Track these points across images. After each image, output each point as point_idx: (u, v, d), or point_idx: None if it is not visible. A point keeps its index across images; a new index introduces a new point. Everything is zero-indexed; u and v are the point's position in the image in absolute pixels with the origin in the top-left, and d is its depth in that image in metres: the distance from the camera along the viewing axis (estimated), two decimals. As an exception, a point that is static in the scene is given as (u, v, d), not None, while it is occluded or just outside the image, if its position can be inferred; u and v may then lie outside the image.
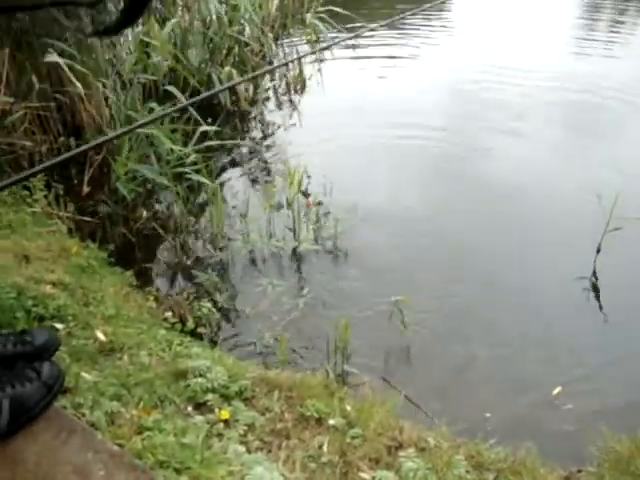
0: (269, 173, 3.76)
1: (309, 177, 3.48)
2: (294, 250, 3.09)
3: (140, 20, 4.49)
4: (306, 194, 3.25)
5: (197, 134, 3.05)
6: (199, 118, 3.24)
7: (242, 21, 4.79)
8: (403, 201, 3.50)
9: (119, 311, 2.07)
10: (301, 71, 4.94)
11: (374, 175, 3.79)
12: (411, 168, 3.92)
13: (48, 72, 3.52)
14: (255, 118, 4.49)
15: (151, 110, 3.15)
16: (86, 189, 3.47)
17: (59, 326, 1.78)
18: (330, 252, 3.08)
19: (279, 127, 4.35)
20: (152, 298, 2.57)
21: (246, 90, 4.35)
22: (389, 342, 2.51)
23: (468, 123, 4.46)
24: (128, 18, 1.02)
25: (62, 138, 3.57)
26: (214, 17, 4.53)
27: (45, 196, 3.01)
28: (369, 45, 5.95)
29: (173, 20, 3.85)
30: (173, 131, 3.14)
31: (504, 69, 5.26)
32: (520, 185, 3.66)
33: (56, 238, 2.70)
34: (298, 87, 4.91)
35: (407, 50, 5.91)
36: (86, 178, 3.50)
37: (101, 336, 1.81)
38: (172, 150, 2.92)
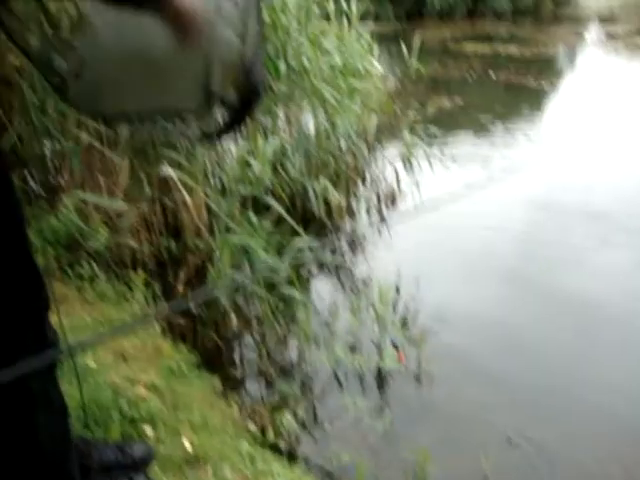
0: (358, 287, 3.81)
1: (398, 293, 3.51)
2: (378, 368, 3.07)
3: (244, 131, 4.80)
4: (395, 345, 3.25)
5: (294, 248, 3.16)
6: (300, 230, 3.36)
7: (337, 136, 5.00)
8: (493, 320, 3.45)
9: (205, 419, 2.11)
10: (396, 186, 5.08)
11: (466, 295, 3.77)
12: (501, 282, 3.87)
13: (158, 179, 3.78)
14: (346, 230, 4.61)
15: (249, 220, 3.30)
16: (180, 289, 3.62)
17: (149, 431, 1.83)
18: (414, 373, 3.04)
19: (369, 241, 4.45)
20: (235, 406, 2.61)
21: (339, 203, 4.49)
22: (471, 474, 2.42)
23: (555, 243, 4.41)
24: (233, 125, 1.08)
25: (163, 239, 3.78)
26: (313, 132, 4.78)
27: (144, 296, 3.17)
28: (459, 154, 6.08)
29: (276, 138, 4.08)
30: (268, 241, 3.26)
31: (596, 184, 5.25)
32: (609, 301, 3.56)
33: (150, 337, 2.81)
34: (389, 202, 5.03)
35: (497, 160, 5.98)
36: (182, 278, 3.66)
37: (188, 445, 1.84)
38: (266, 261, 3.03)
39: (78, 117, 3.71)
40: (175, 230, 3.97)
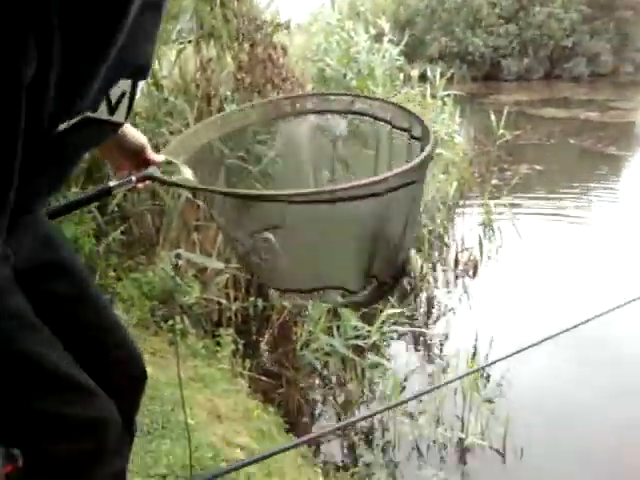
0: (441, 356, 3.81)
1: (483, 370, 3.50)
2: (460, 441, 3.06)
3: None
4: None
5: (384, 315, 3.22)
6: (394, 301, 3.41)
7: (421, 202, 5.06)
8: (582, 406, 3.38)
9: (297, 486, 2.15)
10: (476, 252, 5.09)
11: (553, 377, 3.71)
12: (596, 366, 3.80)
13: (250, 238, 3.91)
14: (425, 297, 4.63)
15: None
16: (264, 348, 3.71)
17: (251, 500, 1.89)
18: (498, 451, 3.01)
19: (450, 310, 4.45)
20: (320, 471, 2.64)
21: (422, 270, 4.53)
22: None
23: None
24: (381, 296, 1.25)
25: (252, 298, 3.89)
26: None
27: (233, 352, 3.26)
28: (538, 220, 6.04)
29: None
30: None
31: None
32: None
33: (240, 397, 2.89)
34: (470, 268, 5.03)
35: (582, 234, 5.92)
36: (266, 338, 3.75)
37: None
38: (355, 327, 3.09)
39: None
40: (259, 288, 4.08)
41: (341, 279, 1.28)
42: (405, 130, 1.37)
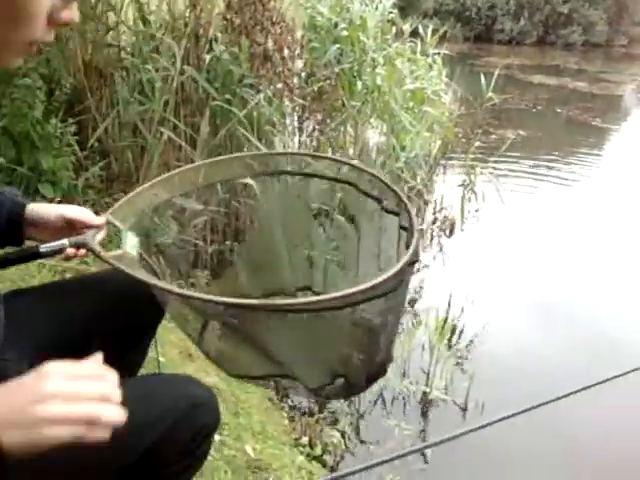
0: (413, 311, 3.87)
1: (455, 325, 3.56)
2: (424, 394, 3.13)
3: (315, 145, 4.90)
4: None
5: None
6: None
7: (404, 158, 5.06)
8: (546, 363, 3.46)
9: (264, 427, 2.20)
10: (455, 212, 5.13)
11: (520, 333, 3.79)
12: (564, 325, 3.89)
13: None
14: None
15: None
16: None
17: (215, 436, 1.92)
18: (460, 406, 3.09)
19: (425, 266, 4.50)
20: (286, 416, 2.70)
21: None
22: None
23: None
24: (351, 394, 1.23)
25: (228, 242, 3.89)
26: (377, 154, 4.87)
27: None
28: (518, 185, 6.09)
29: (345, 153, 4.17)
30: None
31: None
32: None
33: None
34: (447, 227, 5.07)
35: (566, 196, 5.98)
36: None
37: (250, 451, 1.93)
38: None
39: (162, 114, 3.87)
40: (237, 233, 4.08)
41: (300, 374, 1.19)
42: (395, 214, 1.27)
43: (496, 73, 6.21)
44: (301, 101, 4.43)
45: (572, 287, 4.37)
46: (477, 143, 6.52)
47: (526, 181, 6.61)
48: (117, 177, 3.91)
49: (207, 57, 4.04)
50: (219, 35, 4.16)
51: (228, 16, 3.72)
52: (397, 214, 1.25)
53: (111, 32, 4.34)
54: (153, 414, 0.96)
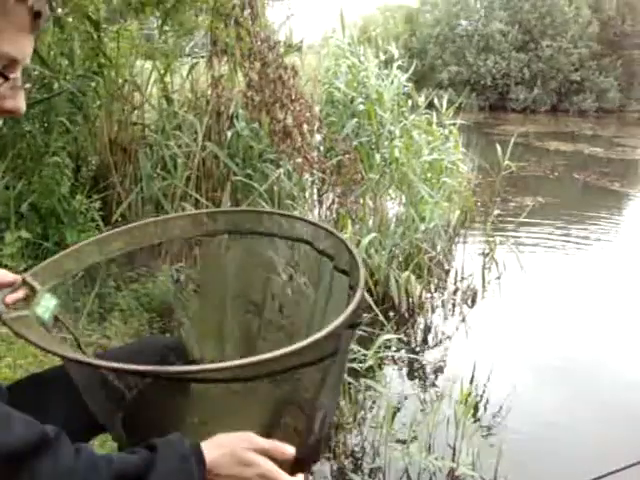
0: (436, 385, 3.81)
1: (480, 397, 3.50)
2: (451, 471, 3.04)
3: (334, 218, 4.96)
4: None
5: (380, 340, 3.22)
6: (384, 321, 3.42)
7: (423, 228, 5.08)
8: (577, 436, 3.37)
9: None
10: (476, 282, 5.10)
11: (548, 404, 3.71)
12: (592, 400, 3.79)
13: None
14: (426, 325, 4.64)
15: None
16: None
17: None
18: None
19: (447, 337, 4.45)
20: (309, 494, 2.63)
21: (420, 296, 4.55)
22: None
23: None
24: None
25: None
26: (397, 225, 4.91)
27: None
28: (539, 252, 6.06)
29: (371, 235, 4.21)
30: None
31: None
32: None
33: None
34: (469, 297, 5.04)
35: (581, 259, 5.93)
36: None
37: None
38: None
39: (184, 189, 3.95)
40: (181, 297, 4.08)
41: None
42: (346, 274, 1.15)
43: (512, 141, 6.29)
44: (321, 174, 4.52)
45: (598, 353, 4.29)
46: (496, 211, 6.55)
47: (546, 247, 6.60)
48: (139, 251, 3.95)
49: (228, 133, 4.16)
50: (240, 112, 4.29)
51: (249, 94, 3.85)
52: (348, 274, 1.14)
53: (136, 111, 4.50)
54: None
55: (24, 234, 3.42)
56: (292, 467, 0.99)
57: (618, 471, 1.50)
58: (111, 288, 3.59)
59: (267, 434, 0.96)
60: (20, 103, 0.82)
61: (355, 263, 1.10)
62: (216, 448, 0.91)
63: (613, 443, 3.26)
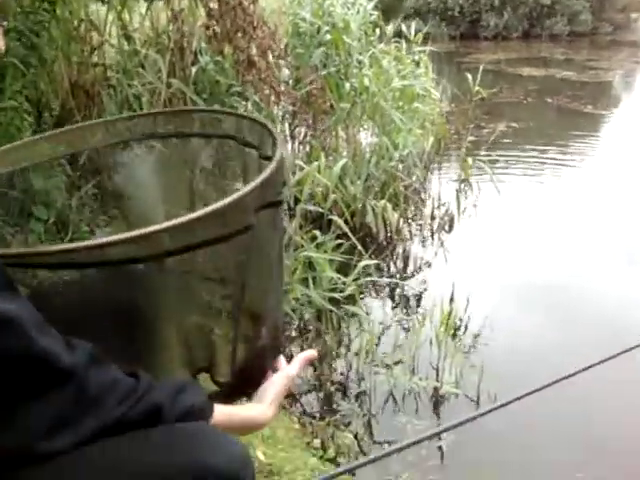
0: (417, 308, 3.84)
1: (460, 319, 3.53)
2: (435, 390, 3.09)
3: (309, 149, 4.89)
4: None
5: (359, 267, 3.22)
6: (362, 250, 3.41)
7: (398, 156, 5.04)
8: (553, 348, 3.42)
9: (274, 432, 2.16)
10: (452, 208, 5.11)
11: (526, 321, 3.76)
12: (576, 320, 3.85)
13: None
14: (403, 251, 4.65)
15: (314, 237, 3.37)
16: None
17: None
18: (472, 399, 3.05)
19: (426, 263, 4.47)
20: (296, 420, 2.67)
21: (397, 224, 4.54)
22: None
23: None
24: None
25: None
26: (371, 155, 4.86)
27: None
28: (514, 176, 6.06)
29: (343, 160, 4.15)
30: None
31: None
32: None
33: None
34: (446, 223, 5.05)
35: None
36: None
37: (261, 456, 1.90)
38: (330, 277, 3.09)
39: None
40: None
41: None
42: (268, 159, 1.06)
43: (481, 68, 6.20)
44: (290, 107, 4.42)
45: (572, 272, 4.35)
46: (470, 138, 6.49)
47: (520, 170, 6.60)
48: (111, 194, 3.88)
49: (193, 69, 4.04)
50: (203, 46, 4.15)
51: (210, 25, 3.71)
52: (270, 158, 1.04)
53: (96, 51, 4.34)
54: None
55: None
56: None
57: (586, 369, 1.54)
58: (85, 233, 3.54)
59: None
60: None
61: (273, 139, 1.04)
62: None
63: (585, 348, 3.34)
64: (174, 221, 0.78)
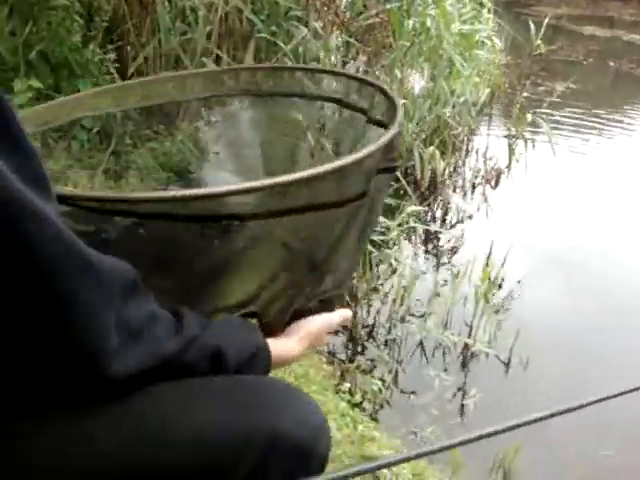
0: (454, 261, 3.74)
1: (496, 279, 3.43)
2: (466, 347, 3.02)
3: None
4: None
5: (406, 211, 3.11)
6: (411, 193, 3.30)
7: (452, 103, 4.85)
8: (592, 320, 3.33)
9: (307, 371, 2.12)
10: (501, 163, 4.94)
11: (563, 291, 3.66)
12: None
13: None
14: (443, 201, 4.52)
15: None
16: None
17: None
18: (503, 361, 2.98)
19: (468, 216, 4.35)
20: (325, 360, 2.63)
21: (444, 173, 4.40)
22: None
23: None
24: None
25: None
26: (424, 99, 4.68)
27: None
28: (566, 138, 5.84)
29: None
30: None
31: None
32: None
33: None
34: (493, 178, 4.89)
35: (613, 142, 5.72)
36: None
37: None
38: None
39: (205, 46, 3.72)
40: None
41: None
42: (383, 125, 0.99)
43: (545, 21, 5.89)
44: (348, 38, 4.23)
45: (615, 242, 4.20)
46: (525, 94, 6.23)
47: (575, 134, 6.34)
48: (158, 110, 3.79)
49: (253, -14, 3.87)
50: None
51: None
52: (384, 125, 0.97)
53: (153, -44, 4.16)
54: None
55: (35, 83, 3.23)
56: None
57: None
58: (128, 146, 3.45)
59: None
60: None
61: (392, 105, 0.95)
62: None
63: (624, 317, 3.24)
64: (301, 173, 0.71)
